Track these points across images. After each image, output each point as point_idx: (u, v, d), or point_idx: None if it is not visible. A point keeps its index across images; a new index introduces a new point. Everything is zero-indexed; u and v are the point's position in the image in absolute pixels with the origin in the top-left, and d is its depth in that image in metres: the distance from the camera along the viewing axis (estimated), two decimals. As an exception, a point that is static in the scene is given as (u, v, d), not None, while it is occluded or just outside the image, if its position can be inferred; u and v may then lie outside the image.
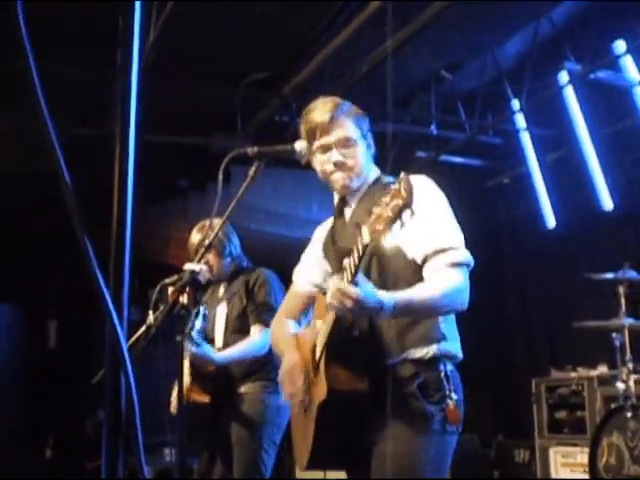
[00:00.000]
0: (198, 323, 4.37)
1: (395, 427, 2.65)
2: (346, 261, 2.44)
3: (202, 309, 4.44)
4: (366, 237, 2.35)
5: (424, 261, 2.68)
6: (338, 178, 2.90)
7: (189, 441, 4.53)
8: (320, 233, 3.19)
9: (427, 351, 2.71)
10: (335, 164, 2.87)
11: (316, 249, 3.16)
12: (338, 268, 2.81)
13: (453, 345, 2.80)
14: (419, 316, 2.68)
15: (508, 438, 9.06)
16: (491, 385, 9.84)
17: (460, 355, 2.83)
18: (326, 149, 2.90)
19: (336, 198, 3.05)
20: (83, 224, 0.99)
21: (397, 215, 2.26)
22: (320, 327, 2.74)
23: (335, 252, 2.96)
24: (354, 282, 2.39)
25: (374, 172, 3.00)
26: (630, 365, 5.64)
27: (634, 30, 7.33)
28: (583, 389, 7.52)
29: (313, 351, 2.79)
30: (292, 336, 3.05)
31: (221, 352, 4.57)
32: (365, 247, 2.38)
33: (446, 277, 2.64)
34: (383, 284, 2.67)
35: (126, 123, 1.14)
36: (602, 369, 7.59)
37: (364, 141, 2.93)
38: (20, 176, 9.52)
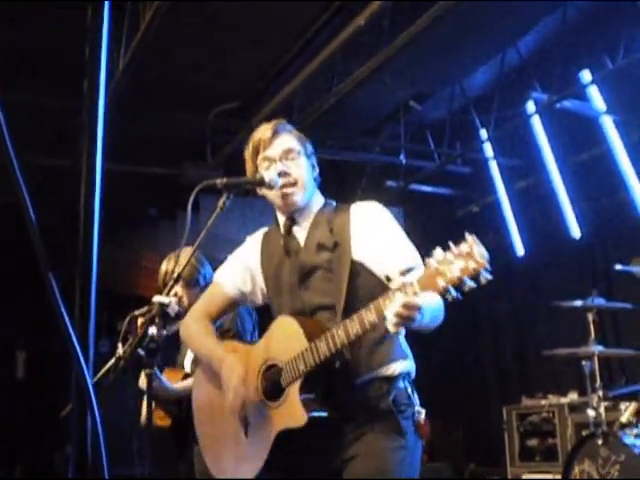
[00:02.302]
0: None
1: (372, 442, 2.67)
2: (407, 279, 2.42)
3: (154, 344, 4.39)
4: (418, 288, 2.35)
5: (400, 276, 2.64)
6: (286, 192, 2.91)
7: (156, 469, 4.48)
8: (254, 242, 3.17)
9: (393, 369, 2.74)
10: (279, 174, 2.88)
11: (248, 258, 3.13)
12: (293, 282, 2.90)
13: (410, 362, 2.83)
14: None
15: (480, 466, 9.06)
16: (463, 413, 9.83)
17: (414, 372, 2.86)
18: (270, 162, 2.95)
19: (280, 217, 3.06)
20: (48, 263, 0.98)
21: (464, 280, 2.32)
22: (282, 352, 2.73)
23: (293, 266, 2.94)
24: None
25: (319, 196, 3.05)
26: (600, 392, 5.65)
27: (599, 60, 7.43)
28: (554, 416, 7.54)
29: (265, 369, 2.80)
30: (225, 344, 3.04)
31: (181, 382, 4.53)
32: (415, 294, 2.38)
33: (430, 295, 2.64)
34: (349, 301, 2.72)
35: (92, 154, 1.12)
36: (573, 396, 7.61)
37: (307, 159, 2.99)
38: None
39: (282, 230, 3.03)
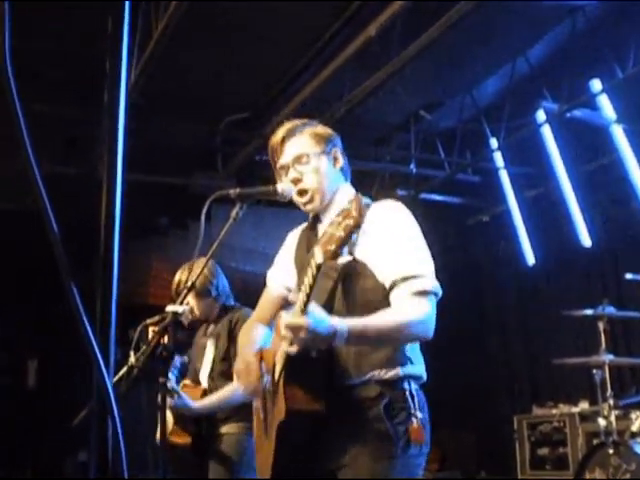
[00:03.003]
0: (172, 374, 4.34)
1: (359, 450, 2.61)
2: (293, 296, 2.45)
3: (177, 359, 4.42)
4: (319, 257, 2.36)
5: (391, 287, 2.65)
6: (300, 201, 2.90)
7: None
8: (291, 240, 3.16)
9: (392, 373, 2.67)
10: (292, 181, 2.88)
11: (288, 256, 3.12)
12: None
13: (418, 367, 2.76)
14: (377, 344, 2.65)
15: (491, 475, 9.05)
16: (474, 422, 9.83)
17: (424, 376, 2.79)
18: (286, 170, 2.93)
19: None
20: (69, 271, 1.00)
21: (348, 234, 2.29)
22: (278, 346, 2.73)
23: (302, 269, 2.91)
24: (306, 309, 2.39)
25: (346, 191, 2.95)
26: (611, 401, 5.65)
27: (609, 69, 7.44)
28: (565, 426, 7.53)
29: (273, 366, 2.79)
30: (256, 355, 3.03)
31: (201, 401, 4.53)
32: (318, 267, 2.39)
33: (410, 307, 2.60)
34: (348, 306, 2.67)
35: (113, 163, 1.14)
36: (583, 405, 7.60)
37: (325, 156, 2.92)
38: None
39: (308, 226, 3.03)
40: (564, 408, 7.74)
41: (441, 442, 9.22)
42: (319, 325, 2.38)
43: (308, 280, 2.42)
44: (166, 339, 3.29)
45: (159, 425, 3.37)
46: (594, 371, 5.90)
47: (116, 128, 1.11)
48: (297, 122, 3.00)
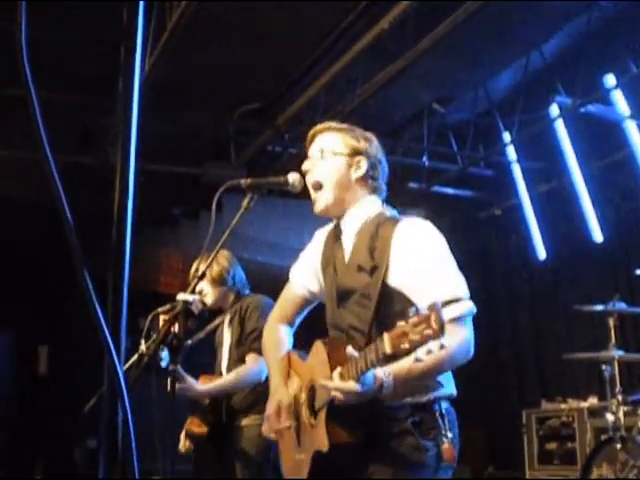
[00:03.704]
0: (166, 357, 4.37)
1: (389, 460, 2.64)
2: (354, 352, 2.45)
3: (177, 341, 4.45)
4: (388, 349, 2.31)
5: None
6: (313, 198, 2.92)
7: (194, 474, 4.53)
8: (320, 238, 3.13)
9: (425, 398, 2.70)
10: (303, 171, 2.90)
11: (315, 256, 3.10)
12: (333, 297, 2.88)
13: (448, 388, 2.78)
14: (423, 383, 2.67)
15: (499, 469, 9.06)
16: (482, 417, 9.82)
17: (455, 393, 2.82)
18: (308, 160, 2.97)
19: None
20: (82, 259, 1.01)
21: (424, 343, 2.24)
22: (317, 376, 2.71)
23: (332, 284, 2.94)
24: (359, 376, 2.42)
25: (370, 201, 2.93)
26: (620, 397, 5.64)
27: (623, 64, 7.41)
28: (573, 420, 7.52)
29: (309, 389, 2.79)
30: (285, 358, 3.03)
31: (207, 384, 4.57)
32: (383, 357, 2.34)
33: (449, 337, 2.46)
34: (382, 330, 2.67)
35: (126, 152, 1.15)
36: (592, 400, 7.59)
37: (344, 159, 2.90)
38: (9, 202, 9.55)
39: (332, 236, 3.02)
40: (573, 403, 7.73)
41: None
42: (368, 389, 2.45)
43: (369, 357, 2.39)
44: (176, 328, 3.31)
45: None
46: (603, 367, 5.90)
47: (130, 118, 1.12)
48: (343, 125, 3.02)
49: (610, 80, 8.01)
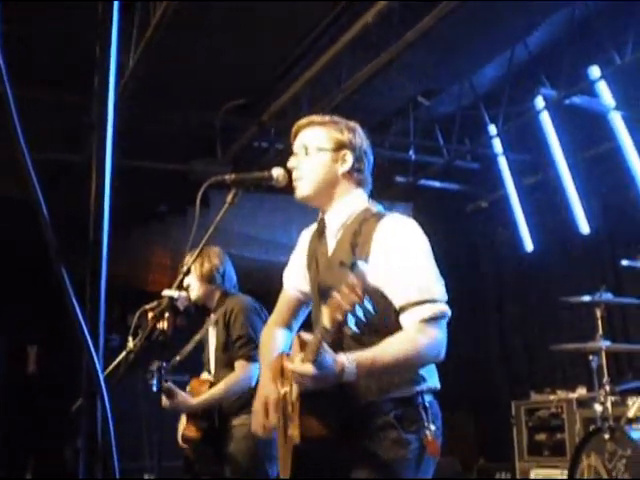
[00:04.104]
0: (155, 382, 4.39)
1: (371, 454, 2.64)
2: (307, 336, 2.47)
3: (163, 364, 4.46)
4: (327, 323, 2.36)
5: (401, 310, 2.65)
6: (294, 186, 2.92)
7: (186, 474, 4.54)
8: (306, 238, 3.14)
9: (408, 392, 2.70)
10: (289, 168, 2.91)
11: (301, 256, 3.11)
12: (317, 299, 2.88)
13: (431, 382, 2.78)
14: (387, 375, 2.66)
15: (489, 461, 9.09)
16: (472, 409, 9.86)
17: (438, 386, 2.82)
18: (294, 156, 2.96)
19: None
20: (60, 255, 1.01)
21: (353, 308, 2.30)
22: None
23: (314, 280, 2.95)
24: (315, 357, 2.42)
25: (358, 197, 2.93)
26: (607, 387, 5.66)
27: (608, 55, 7.42)
28: (562, 411, 7.55)
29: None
30: (277, 359, 3.03)
31: (200, 397, 4.57)
32: (324, 330, 2.38)
33: (420, 334, 2.61)
34: (360, 329, 2.69)
35: (102, 148, 1.15)
36: (581, 391, 7.62)
37: (329, 154, 2.90)
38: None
39: (316, 231, 3.03)
40: (562, 394, 7.76)
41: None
42: (326, 372, 2.43)
43: (317, 337, 2.42)
44: (163, 324, 3.30)
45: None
46: (591, 357, 5.92)
47: (105, 115, 1.12)
48: (325, 118, 2.99)
49: (595, 72, 8.02)
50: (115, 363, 3.91)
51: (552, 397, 7.80)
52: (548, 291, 9.02)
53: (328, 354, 2.44)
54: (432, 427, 2.67)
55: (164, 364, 3.44)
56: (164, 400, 4.32)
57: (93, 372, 1.01)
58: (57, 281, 1.05)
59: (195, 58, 7.59)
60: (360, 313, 2.34)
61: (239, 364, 4.54)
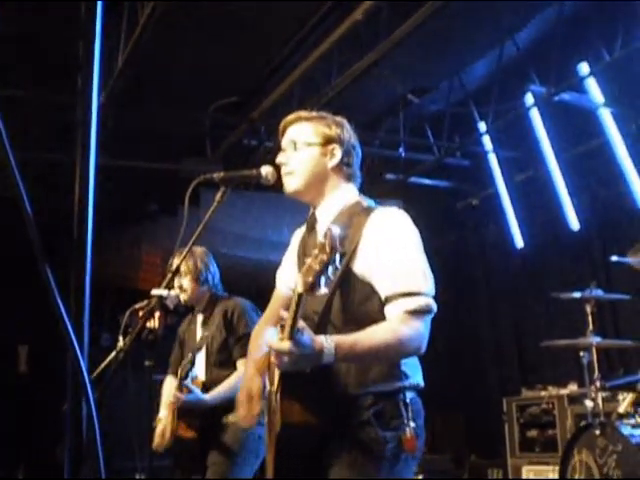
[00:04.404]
0: (186, 369, 4.41)
1: (348, 454, 2.63)
2: (284, 313, 2.46)
3: (190, 355, 4.47)
4: (299, 288, 2.37)
5: (386, 301, 2.64)
6: (283, 181, 2.92)
7: (175, 471, 4.54)
8: (295, 239, 3.15)
9: (389, 387, 2.69)
10: (278, 164, 2.90)
11: (292, 255, 3.12)
12: None
13: (414, 378, 2.76)
14: (366, 362, 2.66)
15: (481, 458, 9.10)
16: (463, 406, 9.88)
17: (422, 384, 2.79)
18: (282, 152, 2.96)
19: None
20: (44, 254, 1.01)
21: (323, 269, 2.30)
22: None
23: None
24: (292, 334, 2.40)
25: (349, 191, 2.94)
26: (598, 383, 5.67)
27: (597, 52, 7.44)
28: (554, 407, 7.57)
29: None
30: (264, 356, 3.03)
31: (212, 393, 4.56)
32: (300, 296, 2.39)
33: (402, 325, 2.60)
34: (345, 318, 2.68)
35: (86, 147, 1.14)
36: (572, 387, 7.64)
37: (317, 148, 2.90)
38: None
39: (307, 226, 3.03)
40: (553, 390, 7.77)
41: (431, 425, 9.25)
42: (303, 349, 2.40)
43: (292, 307, 2.41)
44: (153, 323, 3.30)
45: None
46: (581, 353, 5.93)
47: (89, 114, 1.12)
48: (313, 113, 2.99)
49: (584, 68, 8.05)
50: (105, 362, 3.91)
51: (543, 393, 7.81)
52: (538, 287, 9.04)
53: (306, 332, 2.42)
54: (412, 424, 2.65)
55: (153, 337, 3.42)
56: (178, 395, 4.33)
57: (78, 371, 1.01)
58: (45, 279, 1.05)
59: (185, 57, 7.58)
60: (330, 272, 2.32)
61: (242, 362, 4.53)
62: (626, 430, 5.21)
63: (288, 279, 3.12)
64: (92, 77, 1.13)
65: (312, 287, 2.34)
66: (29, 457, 10.11)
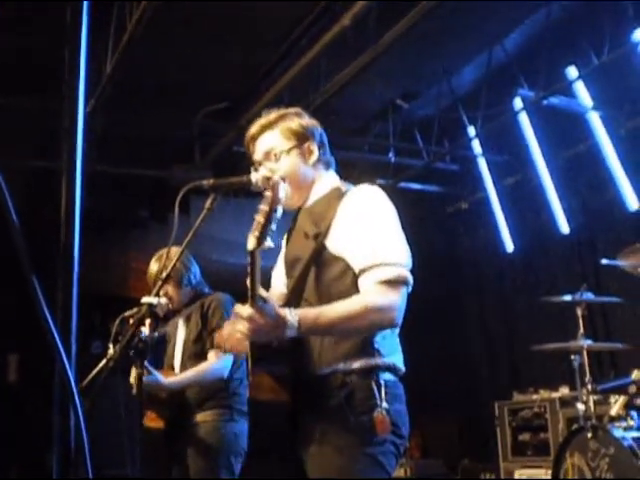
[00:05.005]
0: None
1: (323, 441, 2.59)
2: (247, 282, 2.44)
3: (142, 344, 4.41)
4: (249, 244, 2.37)
5: (359, 274, 2.61)
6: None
7: (147, 469, 4.50)
8: (286, 234, 3.14)
9: (358, 364, 2.62)
10: (263, 180, 2.83)
11: (283, 251, 3.11)
12: (285, 271, 2.90)
13: (390, 358, 2.68)
14: (334, 334, 2.61)
15: (473, 462, 9.09)
16: (455, 410, 9.87)
17: (401, 367, 2.72)
18: (257, 166, 2.93)
19: None
20: (30, 264, 1.00)
21: (267, 220, 2.33)
22: None
23: (285, 258, 2.96)
24: (254, 301, 2.37)
25: (326, 179, 2.94)
26: (590, 386, 5.68)
27: (585, 56, 7.46)
28: (545, 411, 7.57)
29: None
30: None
31: (172, 378, 4.54)
32: (251, 254, 2.38)
33: (373, 294, 2.56)
34: (319, 294, 2.66)
35: (73, 154, 1.14)
36: (564, 391, 7.64)
37: (296, 151, 2.89)
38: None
39: (293, 217, 3.02)
40: (544, 394, 7.77)
41: (423, 429, 9.26)
42: (265, 318, 2.36)
43: (248, 269, 2.39)
44: (143, 330, 3.29)
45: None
46: (572, 356, 5.93)
47: (75, 120, 1.11)
48: (272, 116, 2.95)
49: (572, 72, 8.08)
50: (96, 371, 3.89)
51: (535, 397, 7.81)
52: (529, 291, 9.05)
53: (270, 301, 2.40)
54: (385, 405, 2.58)
55: (143, 345, 3.40)
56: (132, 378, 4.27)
57: (66, 381, 1.00)
58: (31, 289, 1.05)
59: (173, 63, 7.58)
60: (273, 225, 2.32)
61: (213, 353, 4.52)
62: (618, 433, 5.22)
63: (282, 277, 3.09)
64: (78, 82, 1.12)
65: (259, 242, 2.35)
66: (20, 464, 10.07)
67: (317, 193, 2.91)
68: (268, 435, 2.74)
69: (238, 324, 2.40)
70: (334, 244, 2.67)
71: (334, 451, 2.57)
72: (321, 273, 2.69)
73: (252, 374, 2.58)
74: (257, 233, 2.34)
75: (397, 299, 2.57)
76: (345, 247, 2.65)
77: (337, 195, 2.82)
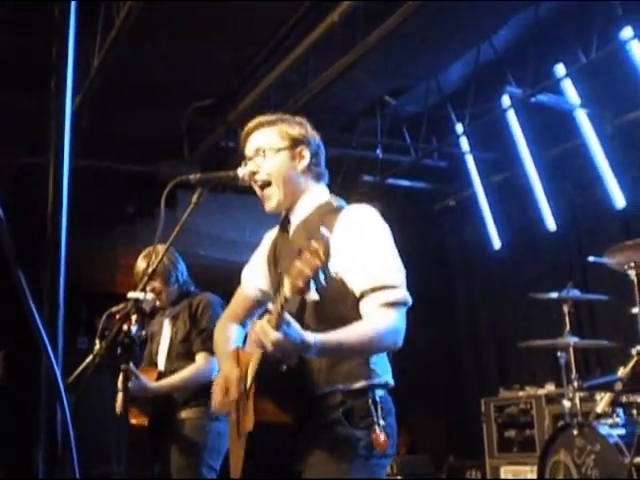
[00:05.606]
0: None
1: (320, 454, 2.63)
2: (271, 306, 2.44)
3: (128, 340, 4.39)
4: (288, 292, 2.32)
5: (361, 297, 2.64)
6: (262, 196, 2.90)
7: (131, 467, 4.48)
8: (267, 240, 3.14)
9: (358, 385, 2.68)
10: (250, 174, 2.86)
11: (262, 257, 3.10)
12: (276, 288, 2.80)
13: (383, 377, 2.74)
14: (347, 356, 2.66)
15: (459, 458, 9.11)
16: (442, 406, 9.89)
17: (391, 382, 2.78)
18: (247, 161, 2.93)
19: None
20: (16, 257, 0.99)
21: (315, 274, 2.25)
22: (252, 355, 2.73)
23: (275, 272, 2.94)
24: (278, 328, 2.36)
25: (317, 192, 2.93)
26: (576, 383, 5.69)
27: (573, 54, 7.47)
28: (531, 408, 7.59)
29: (247, 376, 2.78)
30: (234, 350, 3.01)
31: (160, 381, 4.54)
32: (287, 300, 2.35)
33: (379, 318, 2.60)
34: (318, 319, 2.67)
35: (60, 150, 1.13)
36: (550, 387, 7.66)
37: (286, 153, 2.89)
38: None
39: (280, 227, 3.01)
40: (530, 390, 7.79)
41: (409, 426, 9.27)
42: (290, 340, 2.37)
43: (277, 307, 2.37)
44: (129, 326, 3.28)
45: (119, 404, 3.34)
46: (559, 353, 5.95)
47: (62, 116, 1.10)
48: (273, 116, 2.97)
49: (560, 70, 8.09)
50: (82, 367, 3.88)
51: (521, 394, 7.83)
52: (516, 288, 9.07)
53: (293, 325, 2.40)
54: (382, 422, 2.64)
55: (129, 340, 3.39)
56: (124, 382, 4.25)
57: (52, 377, 1.00)
58: (18, 284, 1.04)
59: (161, 59, 7.56)
60: (322, 277, 2.29)
61: (201, 355, 4.54)
62: (604, 430, 5.23)
63: (256, 279, 3.12)
64: (66, 79, 1.12)
65: (302, 291, 2.30)
66: (6, 462, 10.03)
67: (307, 205, 2.89)
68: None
69: (261, 341, 2.39)
70: (333, 267, 2.61)
71: (331, 462, 2.61)
72: (320, 297, 2.60)
73: (256, 398, 2.59)
74: (301, 283, 2.26)
75: (400, 323, 2.63)
76: (345, 270, 2.66)
77: (329, 211, 2.81)
